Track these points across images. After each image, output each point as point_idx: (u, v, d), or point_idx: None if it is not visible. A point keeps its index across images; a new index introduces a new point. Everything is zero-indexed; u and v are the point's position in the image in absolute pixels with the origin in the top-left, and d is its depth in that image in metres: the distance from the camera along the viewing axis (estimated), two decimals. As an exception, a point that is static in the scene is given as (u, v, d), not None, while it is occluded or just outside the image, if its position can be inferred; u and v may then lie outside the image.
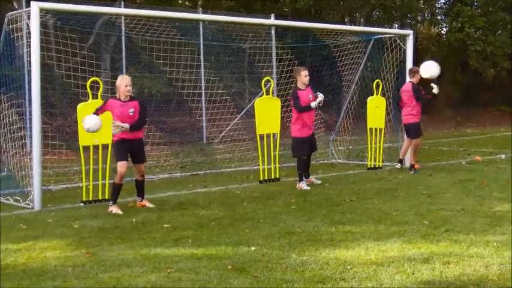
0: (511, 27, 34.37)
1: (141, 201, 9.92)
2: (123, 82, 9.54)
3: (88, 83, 10.20)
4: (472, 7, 33.70)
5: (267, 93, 12.51)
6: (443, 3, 36.86)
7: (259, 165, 12.58)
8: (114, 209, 9.42)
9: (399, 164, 13.83)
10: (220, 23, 15.34)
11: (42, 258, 6.72)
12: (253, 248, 6.92)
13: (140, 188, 9.92)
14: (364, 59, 15.57)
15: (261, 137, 12.34)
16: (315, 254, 6.68)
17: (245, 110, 20.21)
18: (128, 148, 9.55)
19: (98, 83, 10.32)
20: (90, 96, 10.10)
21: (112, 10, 11.70)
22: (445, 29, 37.18)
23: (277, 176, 12.32)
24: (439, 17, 37.20)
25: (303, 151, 11.70)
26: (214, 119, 17.18)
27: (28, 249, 7.13)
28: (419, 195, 10.40)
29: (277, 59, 19.82)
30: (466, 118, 32.31)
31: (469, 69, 35.80)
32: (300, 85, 11.65)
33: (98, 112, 9.41)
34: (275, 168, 12.43)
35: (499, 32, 35.22)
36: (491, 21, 33.32)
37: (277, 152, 12.35)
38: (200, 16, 14.28)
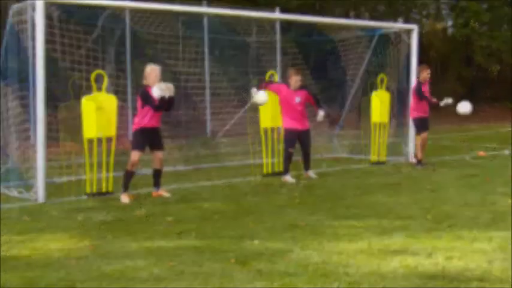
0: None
1: (157, 191, 10.03)
2: (153, 72, 9.73)
3: (93, 76, 10.21)
4: (478, 2, 33.56)
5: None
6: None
7: (262, 158, 12.59)
8: (123, 198, 9.55)
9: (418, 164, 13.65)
10: (225, 15, 15.29)
11: (46, 250, 6.74)
12: (256, 241, 6.92)
13: (157, 177, 10.07)
14: (369, 54, 15.53)
15: (265, 130, 12.37)
16: (318, 247, 6.68)
17: (249, 103, 20.08)
18: (147, 137, 9.72)
19: (102, 75, 10.32)
20: (95, 88, 10.10)
21: (117, 3, 11.65)
22: (450, 24, 37.06)
23: (281, 170, 12.30)
24: (444, 12, 37.07)
25: (289, 143, 11.70)
26: (218, 112, 17.15)
27: (32, 241, 7.15)
28: (423, 190, 10.39)
29: (281, 52, 19.73)
30: (470, 113, 32.20)
31: (473, 65, 35.71)
32: (292, 87, 11.80)
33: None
34: (279, 161, 12.45)
35: (505, 27, 35.08)
36: (496, 16, 33.19)
37: (281, 146, 12.36)
38: (205, 9, 14.22)
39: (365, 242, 6.88)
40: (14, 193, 10.15)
